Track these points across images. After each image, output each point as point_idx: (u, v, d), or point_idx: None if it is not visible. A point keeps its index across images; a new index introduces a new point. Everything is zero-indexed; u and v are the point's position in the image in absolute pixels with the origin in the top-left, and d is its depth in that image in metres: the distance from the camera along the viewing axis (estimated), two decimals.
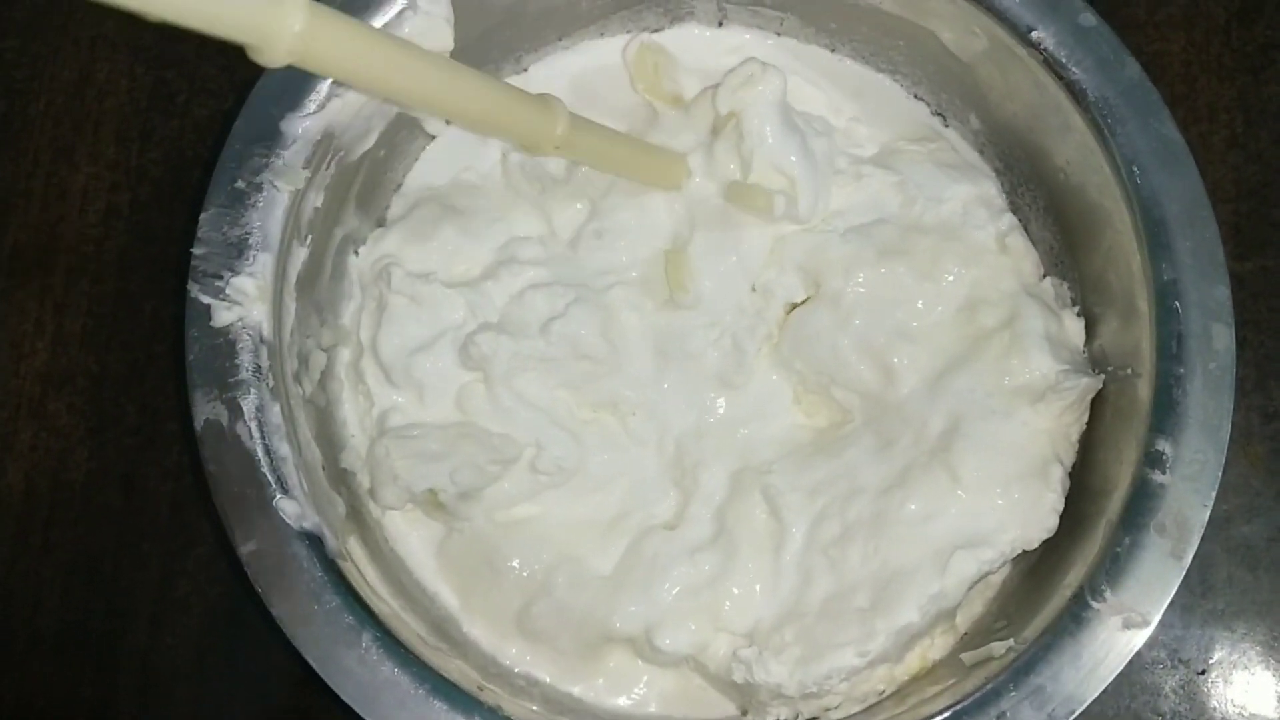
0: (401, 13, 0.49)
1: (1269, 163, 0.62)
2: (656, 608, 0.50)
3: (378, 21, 0.49)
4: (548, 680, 0.52)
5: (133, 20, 0.65)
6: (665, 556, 0.51)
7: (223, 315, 0.45)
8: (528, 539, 0.52)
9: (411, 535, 0.54)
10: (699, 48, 0.58)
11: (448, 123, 0.56)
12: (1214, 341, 0.46)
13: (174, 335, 0.61)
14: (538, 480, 0.52)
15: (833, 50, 0.58)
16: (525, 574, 0.52)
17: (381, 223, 0.56)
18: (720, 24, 0.58)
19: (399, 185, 0.57)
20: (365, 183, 0.53)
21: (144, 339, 0.61)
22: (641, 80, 0.57)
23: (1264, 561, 0.58)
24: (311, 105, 0.48)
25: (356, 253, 0.55)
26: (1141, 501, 0.45)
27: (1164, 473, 0.45)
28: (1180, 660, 0.57)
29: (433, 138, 0.57)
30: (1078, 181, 0.51)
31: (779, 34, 0.58)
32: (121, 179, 0.63)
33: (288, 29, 0.32)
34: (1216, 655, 0.57)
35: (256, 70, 0.50)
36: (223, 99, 0.63)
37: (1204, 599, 0.57)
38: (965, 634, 0.50)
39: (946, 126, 0.57)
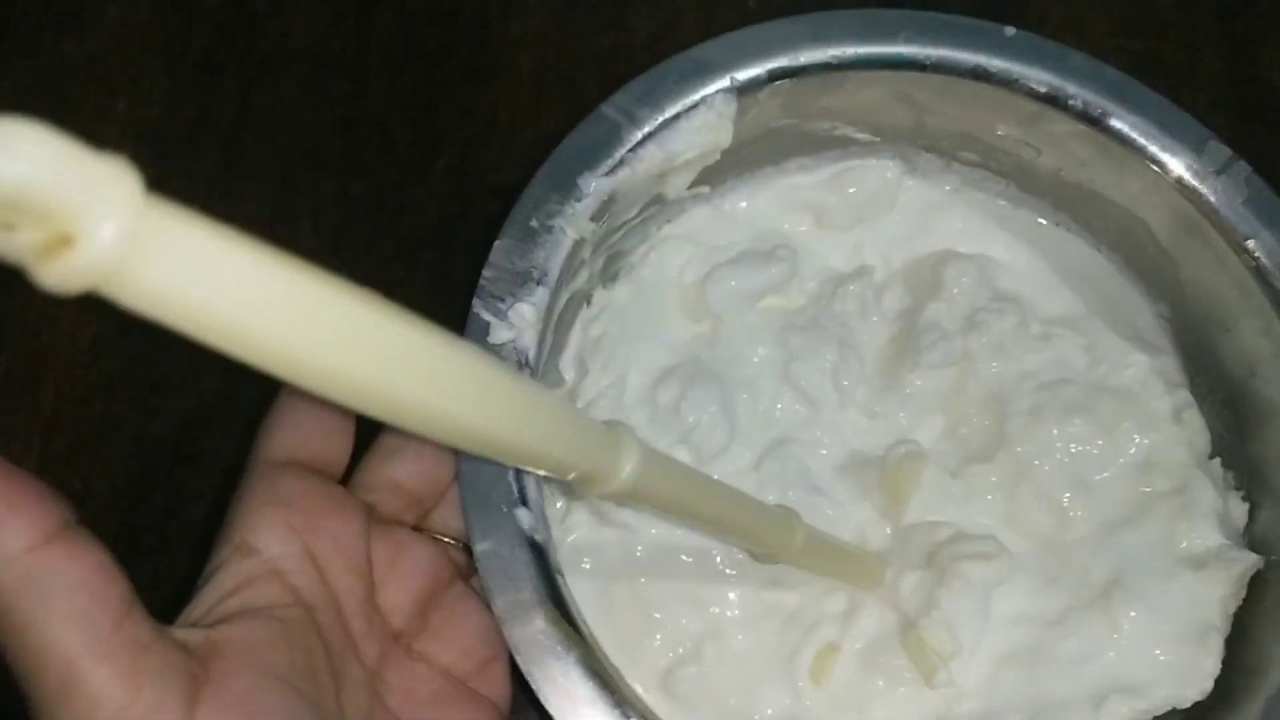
0: (696, 105, 0.55)
1: None
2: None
3: (677, 107, 0.54)
4: None
5: None
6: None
7: (500, 334, 0.49)
8: (684, 599, 0.54)
9: (581, 582, 0.55)
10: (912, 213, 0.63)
11: None
12: None
13: (153, 456, 0.64)
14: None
15: (1045, 221, 0.63)
16: (675, 632, 0.53)
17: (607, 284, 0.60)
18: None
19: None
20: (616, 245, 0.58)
21: (125, 459, 0.64)
22: (891, 491, 0.55)
23: None
24: (605, 168, 0.53)
25: (589, 303, 0.59)
26: None
27: None
28: None
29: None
30: (1261, 382, 0.55)
31: (998, 197, 0.63)
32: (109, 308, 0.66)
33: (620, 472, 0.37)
34: None
35: None
36: None
37: None
38: None
39: None
